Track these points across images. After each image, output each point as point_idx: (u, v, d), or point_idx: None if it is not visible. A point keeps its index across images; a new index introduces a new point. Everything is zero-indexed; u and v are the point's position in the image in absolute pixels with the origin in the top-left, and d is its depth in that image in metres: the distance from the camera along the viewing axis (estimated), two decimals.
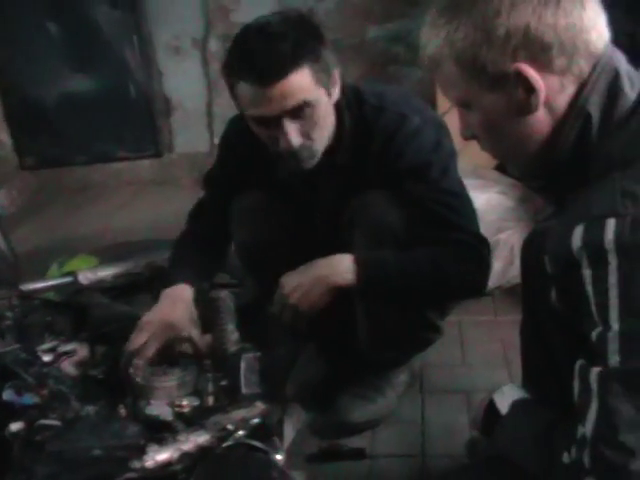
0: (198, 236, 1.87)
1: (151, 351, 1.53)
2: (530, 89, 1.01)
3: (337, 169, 1.71)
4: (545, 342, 1.42)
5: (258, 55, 1.46)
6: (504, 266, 2.52)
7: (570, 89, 1.04)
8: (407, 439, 1.94)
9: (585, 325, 0.99)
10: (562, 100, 1.04)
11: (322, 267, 1.58)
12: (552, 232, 1.06)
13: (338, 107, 1.62)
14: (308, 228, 1.82)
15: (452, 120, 2.90)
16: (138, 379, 1.46)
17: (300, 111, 1.52)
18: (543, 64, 1.01)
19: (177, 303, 1.65)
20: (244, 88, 1.50)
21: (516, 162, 1.18)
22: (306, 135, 1.56)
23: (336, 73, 1.56)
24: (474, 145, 1.25)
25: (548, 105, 1.04)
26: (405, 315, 1.76)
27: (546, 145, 1.08)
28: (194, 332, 1.60)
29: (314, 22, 1.55)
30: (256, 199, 1.81)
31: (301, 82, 1.48)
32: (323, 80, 1.52)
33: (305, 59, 1.48)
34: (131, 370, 1.47)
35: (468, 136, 1.17)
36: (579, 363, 1.02)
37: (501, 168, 2.82)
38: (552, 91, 1.03)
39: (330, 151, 1.65)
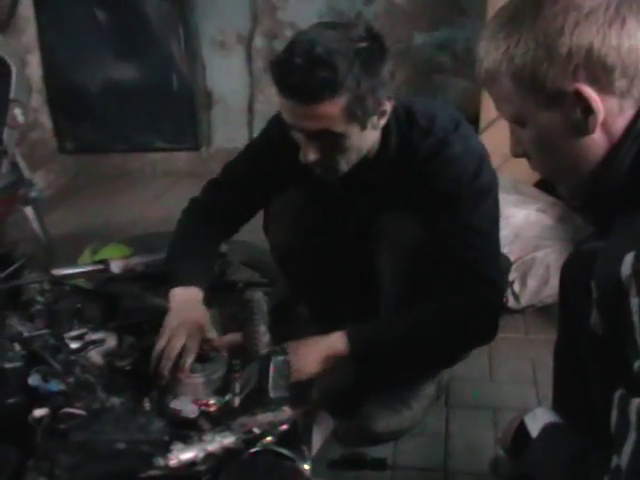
0: (213, 209, 1.86)
1: (192, 353, 1.51)
2: (588, 110, 0.99)
3: (374, 183, 1.70)
4: (580, 366, 1.39)
5: (296, 74, 1.45)
6: (538, 285, 2.49)
7: (629, 112, 1.01)
8: (430, 452, 1.92)
9: (628, 354, 0.97)
10: (620, 123, 1.01)
11: (318, 340, 1.59)
12: (601, 256, 1.03)
13: (386, 128, 1.61)
14: (341, 236, 1.81)
15: (494, 136, 2.89)
16: (166, 373, 1.45)
17: (323, 135, 1.51)
18: (603, 86, 0.98)
19: (194, 305, 1.66)
20: (279, 94, 1.51)
21: (567, 183, 1.15)
22: (328, 154, 1.56)
23: (387, 103, 1.54)
24: (515, 161, 1.23)
25: (605, 127, 1.01)
26: None
27: (600, 168, 1.05)
28: (214, 333, 1.61)
29: (374, 49, 1.50)
30: (295, 201, 1.81)
31: (330, 113, 1.47)
32: (358, 115, 1.49)
33: (341, 92, 1.45)
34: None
35: (518, 154, 1.15)
36: (619, 393, 0.99)
37: (541, 185, 2.79)
38: (610, 113, 1.00)
39: (370, 166, 1.64)
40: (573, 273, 1.42)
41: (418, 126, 1.64)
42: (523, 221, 2.57)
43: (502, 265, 1.98)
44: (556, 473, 1.26)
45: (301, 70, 1.44)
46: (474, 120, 2.96)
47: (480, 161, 1.64)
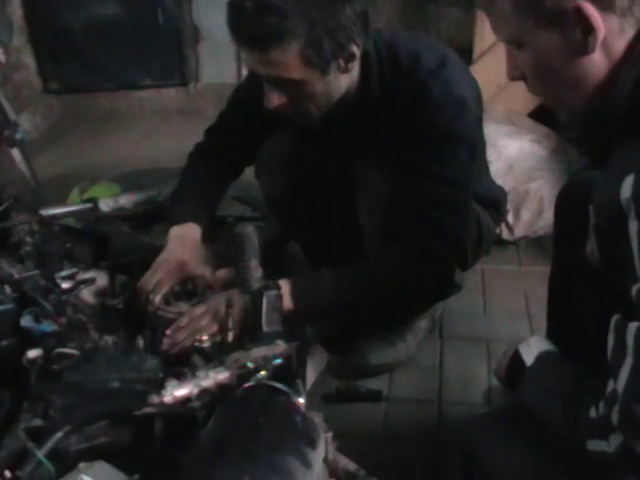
0: (212, 153, 1.85)
1: (164, 289, 1.53)
2: (588, 28, 0.96)
3: (357, 128, 1.67)
4: (574, 296, 1.39)
5: (245, 20, 1.38)
6: (532, 217, 2.48)
7: (629, 32, 0.98)
8: (424, 384, 1.94)
9: (625, 279, 0.96)
10: (620, 43, 0.98)
11: None
12: (599, 180, 1.01)
13: (366, 70, 1.56)
14: (326, 181, 1.79)
15: (487, 67, 2.83)
16: (155, 311, 1.45)
17: (283, 82, 1.47)
18: (604, 3, 0.95)
19: (187, 243, 1.65)
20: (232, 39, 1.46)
21: (566, 107, 1.12)
22: (294, 100, 1.52)
23: (355, 46, 1.47)
24: (508, 91, 1.21)
25: (605, 47, 0.98)
26: None
27: (600, 90, 1.02)
28: (206, 270, 1.60)
29: None
30: (282, 148, 1.79)
31: (282, 60, 1.41)
32: (314, 61, 1.43)
33: (291, 39, 1.39)
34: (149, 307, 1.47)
35: (516, 77, 1.11)
36: (615, 318, 0.99)
37: (535, 116, 2.75)
38: (611, 33, 0.97)
39: (351, 110, 1.59)
40: (569, 202, 1.40)
41: (401, 67, 1.58)
42: (517, 152, 2.55)
43: (497, 196, 1.96)
44: (550, 400, 1.26)
45: (250, 16, 1.37)
46: (467, 50, 2.91)
47: (459, 107, 1.56)
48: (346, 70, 1.51)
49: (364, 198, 1.70)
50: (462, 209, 1.63)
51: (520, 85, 1.13)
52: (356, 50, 1.48)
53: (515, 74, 1.11)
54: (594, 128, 1.08)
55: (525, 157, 2.56)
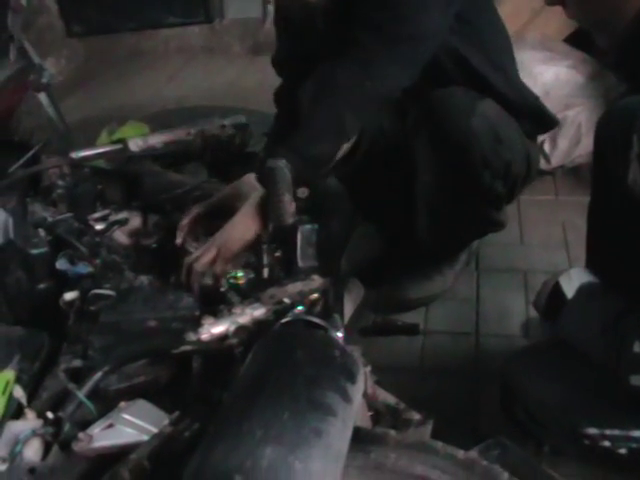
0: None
1: (194, 215, 1.48)
2: None
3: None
4: (615, 226, 1.35)
5: None
6: (569, 145, 2.43)
7: None
8: (461, 317, 1.93)
9: None
10: None
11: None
12: None
13: None
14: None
15: None
16: (190, 248, 1.43)
17: None
18: None
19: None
20: None
21: (606, 30, 1.06)
22: None
23: None
24: (543, 16, 1.15)
25: None
26: (464, 211, 1.72)
27: None
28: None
29: None
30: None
31: None
32: None
33: None
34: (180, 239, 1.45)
35: (554, 1, 1.06)
36: None
37: (572, 41, 2.66)
38: None
39: None
40: (610, 129, 1.35)
41: None
42: (553, 79, 2.47)
43: (536, 102, 1.88)
44: (592, 334, 1.24)
45: None
46: None
47: None
48: None
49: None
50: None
51: (555, 10, 1.08)
52: None
53: None
54: (635, 52, 1.03)
55: (561, 84, 2.48)
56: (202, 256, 1.34)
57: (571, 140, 2.42)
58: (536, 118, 1.85)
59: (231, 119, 1.75)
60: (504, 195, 1.76)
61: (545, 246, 2.17)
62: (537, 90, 2.38)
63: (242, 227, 1.38)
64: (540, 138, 2.34)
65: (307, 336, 0.92)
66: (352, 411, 0.83)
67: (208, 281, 1.32)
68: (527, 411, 1.37)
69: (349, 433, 0.82)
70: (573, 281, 1.34)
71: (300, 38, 1.70)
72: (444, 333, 1.89)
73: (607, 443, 1.27)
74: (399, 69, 1.50)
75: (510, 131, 1.72)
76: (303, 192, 1.37)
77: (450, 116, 1.63)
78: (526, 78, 1.97)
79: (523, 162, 1.75)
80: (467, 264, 2.04)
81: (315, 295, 1.10)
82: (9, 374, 1.02)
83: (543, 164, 2.43)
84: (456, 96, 1.65)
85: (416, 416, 1.09)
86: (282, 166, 1.32)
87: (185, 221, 1.45)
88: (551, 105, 2.40)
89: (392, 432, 0.95)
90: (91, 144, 2.15)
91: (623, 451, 1.27)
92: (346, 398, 0.82)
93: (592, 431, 1.27)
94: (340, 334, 0.98)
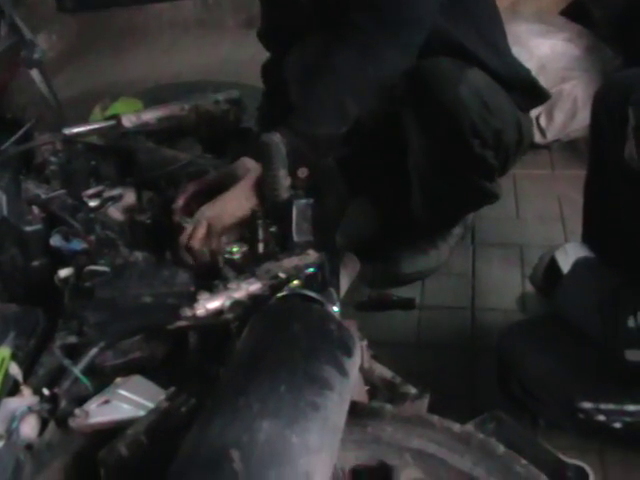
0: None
1: (188, 192, 1.46)
2: None
3: None
4: (612, 200, 1.35)
5: None
6: (565, 118, 2.42)
7: None
8: (457, 291, 1.94)
9: None
10: None
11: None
12: (638, 82, 0.96)
13: None
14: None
15: None
16: (183, 222, 1.42)
17: None
18: None
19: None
20: None
21: (604, 1, 1.05)
22: None
23: None
24: None
25: None
26: (456, 182, 1.71)
27: None
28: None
29: None
30: None
31: None
32: None
33: None
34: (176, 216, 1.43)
35: None
36: None
37: (568, 13, 2.64)
38: None
39: None
40: (606, 103, 1.34)
41: None
42: (549, 52, 2.46)
43: (528, 76, 1.88)
44: (587, 309, 1.24)
45: None
46: None
47: None
48: None
49: None
50: None
51: None
52: None
53: None
54: (633, 23, 1.02)
55: (558, 57, 2.47)
56: (195, 232, 1.33)
57: (567, 114, 2.41)
58: (528, 91, 1.83)
59: (224, 94, 1.74)
60: (496, 166, 1.75)
61: (541, 220, 2.17)
62: (533, 63, 2.38)
63: (235, 203, 1.37)
64: (536, 112, 2.33)
65: (303, 310, 0.92)
66: (349, 385, 0.83)
67: (206, 258, 1.32)
68: (523, 385, 1.38)
69: (346, 407, 0.82)
70: (569, 256, 1.34)
71: (283, 11, 1.69)
72: (440, 308, 1.89)
73: (602, 417, 1.28)
74: (398, 54, 1.49)
75: (499, 100, 1.71)
76: (303, 172, 1.36)
77: (437, 85, 1.62)
78: (522, 51, 1.96)
79: (514, 132, 1.74)
80: (462, 238, 2.04)
81: (311, 270, 1.10)
82: (5, 351, 1.02)
83: (539, 138, 2.42)
84: (443, 65, 1.64)
85: (412, 390, 1.09)
86: (277, 141, 1.31)
87: (180, 201, 1.44)
88: (547, 78, 2.40)
89: (388, 406, 0.95)
90: (84, 120, 2.14)
91: (618, 425, 1.28)
92: (343, 372, 0.82)
93: (587, 405, 1.27)
94: (336, 308, 0.98)
